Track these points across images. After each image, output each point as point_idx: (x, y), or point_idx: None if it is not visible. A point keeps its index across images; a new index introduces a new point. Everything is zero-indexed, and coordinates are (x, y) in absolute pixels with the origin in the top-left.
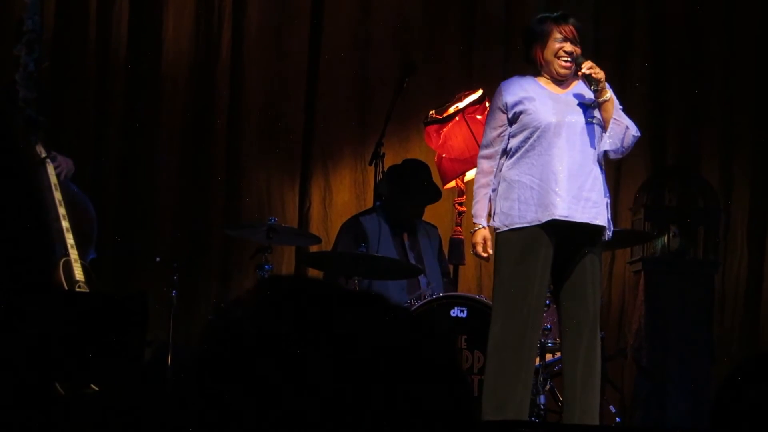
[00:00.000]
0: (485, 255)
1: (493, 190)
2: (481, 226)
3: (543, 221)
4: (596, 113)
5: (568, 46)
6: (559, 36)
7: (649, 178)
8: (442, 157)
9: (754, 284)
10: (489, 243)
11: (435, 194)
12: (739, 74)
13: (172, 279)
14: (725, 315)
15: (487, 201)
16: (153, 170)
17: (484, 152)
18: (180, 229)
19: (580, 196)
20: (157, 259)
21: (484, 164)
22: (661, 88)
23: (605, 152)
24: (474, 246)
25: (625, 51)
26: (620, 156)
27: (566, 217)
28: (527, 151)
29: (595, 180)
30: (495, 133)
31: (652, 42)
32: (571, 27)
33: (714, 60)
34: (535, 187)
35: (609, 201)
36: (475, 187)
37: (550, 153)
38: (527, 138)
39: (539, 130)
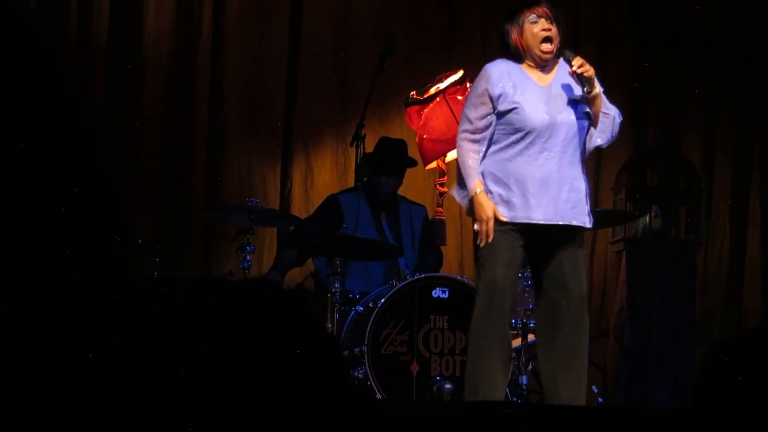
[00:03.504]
0: (488, 235)
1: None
2: (480, 191)
3: (519, 222)
4: (583, 110)
5: (544, 23)
6: (532, 16)
7: (630, 159)
8: (423, 138)
9: (737, 263)
10: (491, 223)
11: (409, 160)
12: (720, 53)
13: (154, 261)
14: (708, 294)
15: (477, 181)
16: (133, 153)
17: (470, 136)
18: (161, 212)
19: (559, 197)
20: (139, 241)
21: (471, 146)
22: (642, 69)
23: (597, 146)
24: (485, 221)
25: (605, 31)
26: (609, 143)
27: (542, 221)
28: (510, 150)
29: (574, 181)
30: (481, 121)
31: (632, 22)
32: (544, 7)
33: (695, 39)
34: (513, 188)
35: (588, 189)
36: (465, 165)
37: (531, 156)
38: (512, 137)
39: (525, 131)
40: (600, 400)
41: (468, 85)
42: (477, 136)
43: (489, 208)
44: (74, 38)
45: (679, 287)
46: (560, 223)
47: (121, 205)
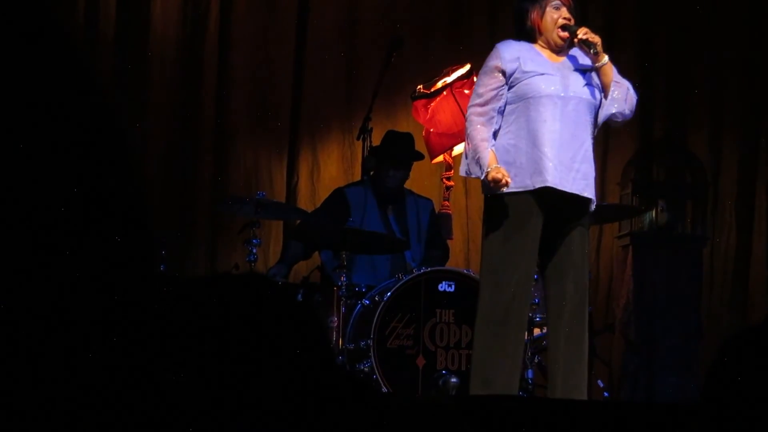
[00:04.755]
0: (506, 179)
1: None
2: (494, 166)
3: (535, 187)
4: (594, 82)
5: (566, 12)
6: (556, 2)
7: (636, 153)
8: (430, 132)
9: (743, 258)
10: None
11: (416, 153)
12: (727, 47)
13: (160, 253)
14: (714, 289)
15: (489, 152)
16: (141, 146)
17: (478, 109)
18: (168, 204)
19: (571, 166)
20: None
21: (478, 120)
22: (649, 62)
23: (611, 117)
24: (497, 181)
25: (612, 23)
26: (626, 119)
27: (557, 185)
28: (524, 118)
29: (586, 152)
30: (491, 93)
31: (639, 14)
32: None
33: (702, 33)
34: (528, 152)
35: (595, 176)
36: (473, 141)
37: (544, 121)
38: (524, 106)
39: (536, 99)
40: (605, 394)
41: (475, 78)
42: (486, 108)
43: (505, 174)
44: (81, 32)
45: (685, 282)
46: (572, 191)
47: (145, 208)
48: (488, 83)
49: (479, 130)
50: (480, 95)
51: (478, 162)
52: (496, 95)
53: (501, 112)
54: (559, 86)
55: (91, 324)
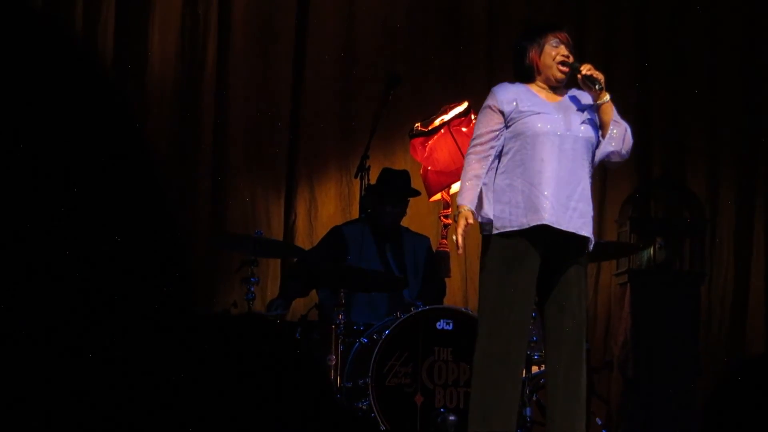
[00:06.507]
0: (461, 238)
1: (485, 185)
2: (467, 208)
3: (532, 225)
4: (592, 121)
5: (564, 49)
6: (554, 40)
7: (635, 190)
8: (428, 170)
9: (740, 296)
10: (467, 228)
11: (411, 190)
12: (724, 86)
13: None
14: (712, 327)
15: (477, 191)
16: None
17: (477, 148)
18: None
19: (567, 205)
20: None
21: (475, 158)
22: (647, 100)
23: (609, 156)
24: (461, 226)
25: (609, 61)
26: (622, 159)
27: (553, 223)
28: (520, 157)
29: (583, 191)
30: (490, 134)
31: (636, 52)
32: (566, 33)
33: (699, 71)
34: (525, 190)
35: (593, 214)
36: (464, 178)
37: (542, 159)
38: (521, 145)
39: (533, 138)
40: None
41: (473, 116)
42: (485, 147)
43: (463, 227)
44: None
45: (683, 319)
46: (569, 230)
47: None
48: (487, 123)
49: (473, 166)
50: (479, 135)
51: (461, 194)
52: (495, 135)
53: (498, 152)
54: (557, 125)
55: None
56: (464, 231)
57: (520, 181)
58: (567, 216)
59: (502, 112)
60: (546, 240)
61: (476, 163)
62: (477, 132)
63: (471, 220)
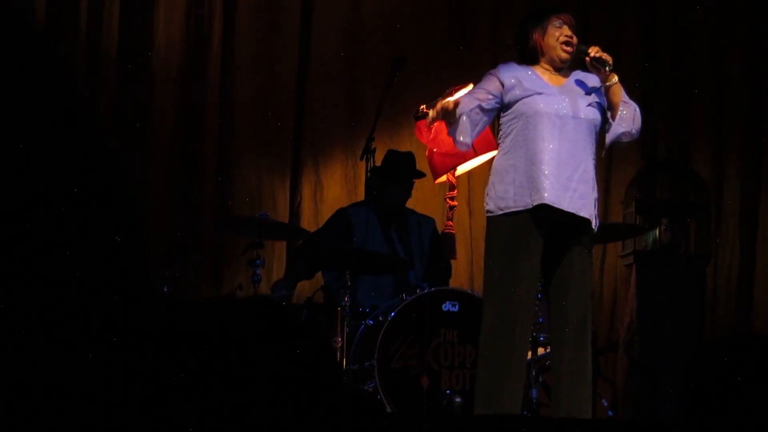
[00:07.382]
0: (433, 110)
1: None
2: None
3: (534, 205)
4: (596, 103)
5: (567, 30)
6: (558, 21)
7: (640, 172)
8: (433, 152)
9: (746, 277)
10: (442, 107)
11: (416, 171)
12: (729, 67)
13: (164, 274)
14: (717, 308)
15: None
16: (143, 166)
17: (465, 98)
18: (171, 225)
19: (568, 185)
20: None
21: (471, 104)
22: (652, 82)
23: (620, 137)
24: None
25: (614, 45)
26: (633, 138)
27: (553, 203)
28: (522, 137)
29: (584, 173)
30: (485, 93)
31: (641, 36)
32: (569, 15)
33: (704, 54)
34: (528, 170)
35: (597, 197)
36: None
37: (542, 139)
38: (523, 125)
39: (534, 117)
40: (610, 413)
41: None
42: (473, 98)
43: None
44: (84, 51)
45: (688, 300)
46: (569, 210)
47: (136, 223)
48: (485, 85)
49: (465, 104)
50: (474, 91)
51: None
52: (488, 97)
53: (500, 134)
54: (559, 106)
55: (89, 346)
56: (439, 108)
57: (522, 160)
58: (567, 196)
59: (502, 84)
60: (548, 221)
61: (472, 106)
62: (473, 90)
63: (451, 108)
